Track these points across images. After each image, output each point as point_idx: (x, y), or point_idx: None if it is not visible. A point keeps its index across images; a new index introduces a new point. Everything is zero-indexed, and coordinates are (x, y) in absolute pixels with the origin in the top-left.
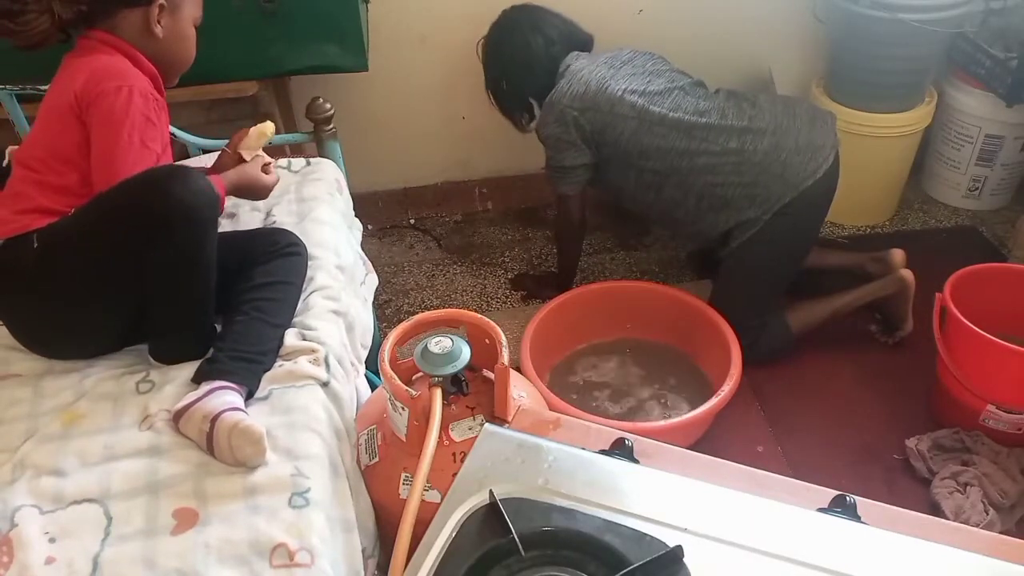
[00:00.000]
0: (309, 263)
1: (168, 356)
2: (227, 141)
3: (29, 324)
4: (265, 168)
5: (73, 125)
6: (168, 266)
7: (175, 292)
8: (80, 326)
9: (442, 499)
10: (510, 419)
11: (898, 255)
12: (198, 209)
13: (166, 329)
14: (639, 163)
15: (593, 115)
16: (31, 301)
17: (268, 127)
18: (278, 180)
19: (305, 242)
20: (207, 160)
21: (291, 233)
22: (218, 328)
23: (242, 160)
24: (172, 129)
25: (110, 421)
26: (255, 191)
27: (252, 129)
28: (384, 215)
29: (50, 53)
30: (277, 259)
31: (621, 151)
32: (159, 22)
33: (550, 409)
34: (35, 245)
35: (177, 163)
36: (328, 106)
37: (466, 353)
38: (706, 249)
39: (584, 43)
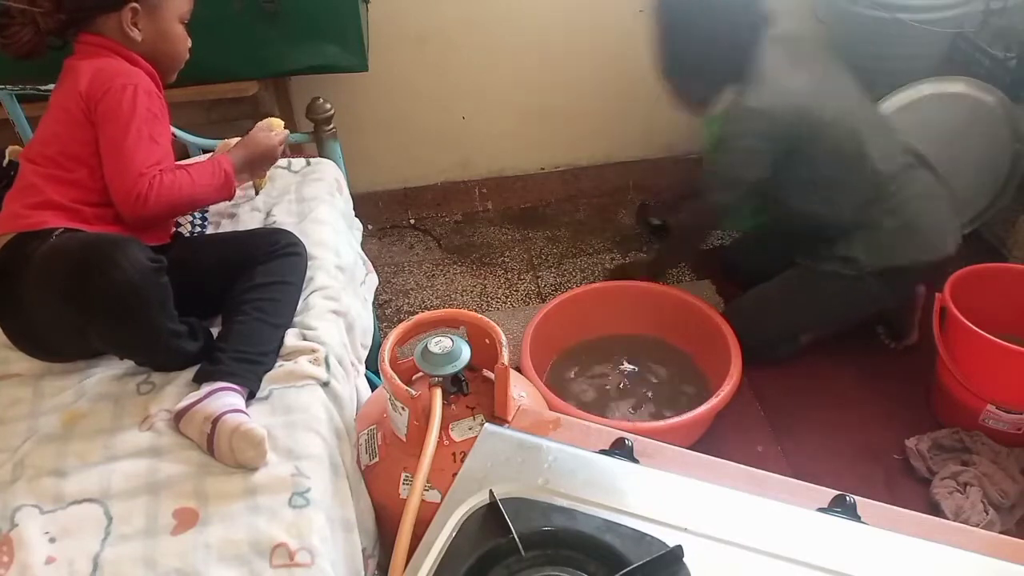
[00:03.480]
0: (309, 263)
1: (163, 369)
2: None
3: (33, 319)
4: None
5: (82, 124)
6: (107, 343)
7: (130, 355)
8: (71, 331)
9: (442, 499)
10: (510, 419)
11: None
12: (127, 291)
13: (143, 362)
14: (815, 186)
15: (796, 140)
16: (36, 295)
17: (274, 122)
18: (287, 137)
19: (305, 242)
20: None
21: (290, 233)
22: (213, 332)
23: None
24: (172, 129)
25: (110, 421)
26: (262, 152)
27: (263, 122)
28: (384, 215)
29: (49, 55)
30: (277, 259)
31: (807, 179)
32: (134, 25)
33: (550, 409)
34: (52, 240)
35: (119, 240)
36: (328, 106)
37: (466, 353)
38: (705, 251)
39: (766, 19)
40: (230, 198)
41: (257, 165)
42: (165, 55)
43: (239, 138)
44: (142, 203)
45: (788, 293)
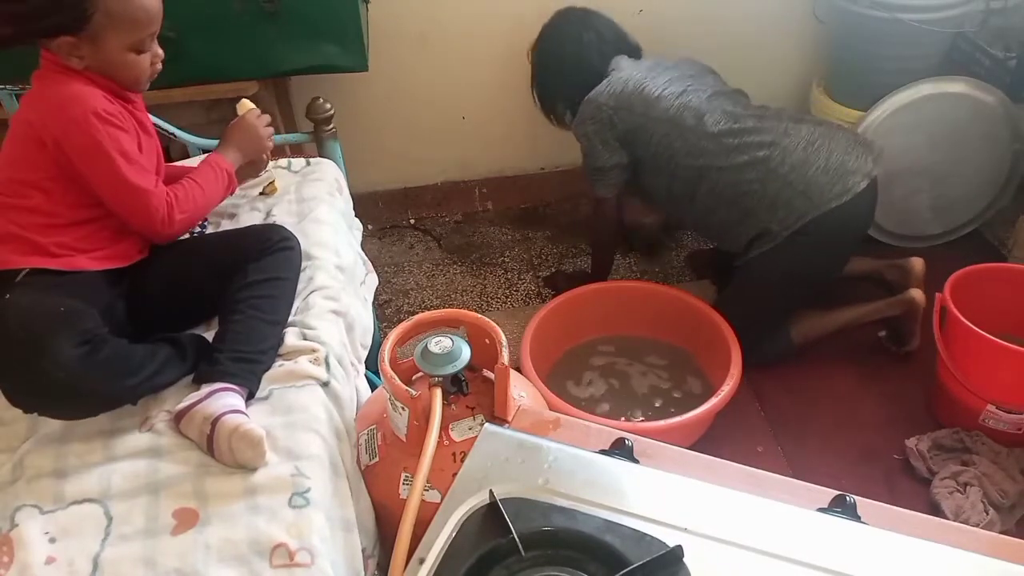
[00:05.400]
0: (309, 263)
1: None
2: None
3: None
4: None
5: (34, 151)
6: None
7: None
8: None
9: (442, 499)
10: (510, 419)
11: (917, 264)
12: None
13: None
14: (670, 168)
15: (626, 115)
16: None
17: (244, 105)
18: (272, 132)
19: (305, 242)
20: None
21: (283, 228)
22: (207, 336)
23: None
24: (172, 129)
25: (110, 422)
26: (252, 138)
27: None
28: (384, 215)
29: None
30: (269, 255)
31: (652, 155)
32: (74, 55)
33: (550, 409)
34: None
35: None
36: (328, 106)
37: (466, 353)
38: (710, 252)
39: (633, 50)
40: (233, 193)
41: (249, 152)
42: (116, 80)
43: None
44: (169, 224)
45: (744, 293)
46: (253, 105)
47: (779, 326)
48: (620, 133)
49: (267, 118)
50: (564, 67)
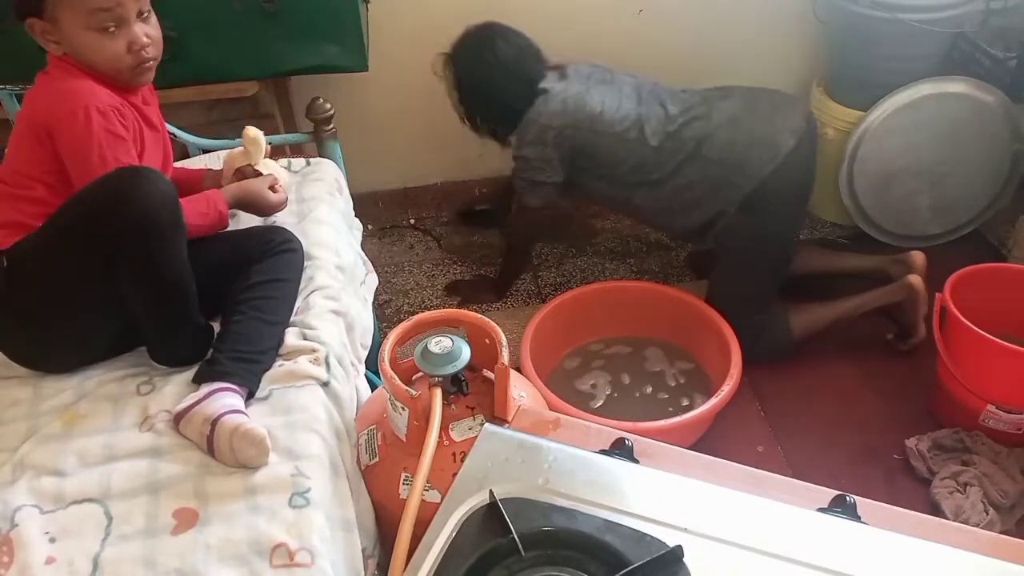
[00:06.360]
0: (309, 263)
1: (167, 360)
2: (226, 141)
3: (9, 341)
4: (273, 187)
5: (33, 145)
6: (134, 276)
7: (149, 302)
8: (59, 341)
9: (442, 499)
10: (510, 419)
11: (919, 258)
12: (151, 216)
13: (155, 336)
14: (611, 174)
15: (572, 132)
16: (5, 319)
17: (249, 132)
18: (286, 200)
19: (305, 242)
20: (211, 161)
21: (286, 230)
22: (215, 327)
23: (256, 172)
24: (172, 129)
25: (110, 422)
26: (259, 207)
27: (245, 141)
28: (384, 215)
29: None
30: (272, 257)
31: (597, 164)
32: (49, 39)
33: (550, 409)
34: (4, 264)
35: (133, 166)
36: (328, 106)
37: (466, 353)
38: (704, 250)
39: (545, 61)
40: (223, 229)
41: (250, 211)
42: (94, 66)
43: (241, 149)
44: None
45: (722, 278)
46: (255, 131)
47: (778, 314)
48: (565, 151)
49: (281, 184)
50: (495, 88)
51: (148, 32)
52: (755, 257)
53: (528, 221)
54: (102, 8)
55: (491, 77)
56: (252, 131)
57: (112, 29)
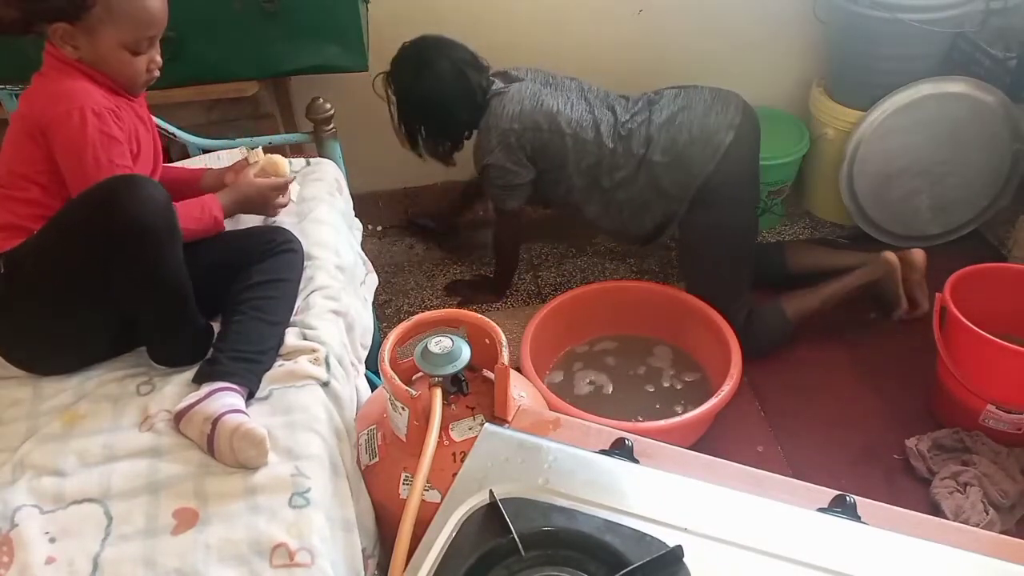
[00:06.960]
0: (309, 263)
1: (167, 360)
2: (226, 141)
3: (6, 345)
4: (279, 189)
5: (28, 145)
6: (131, 281)
7: (148, 305)
8: (58, 344)
9: (442, 499)
10: (510, 419)
11: (918, 255)
12: (147, 223)
13: (155, 337)
14: (568, 180)
15: (533, 134)
16: (4, 323)
17: (255, 155)
18: (288, 201)
19: (305, 242)
20: (213, 161)
21: (286, 231)
22: (215, 327)
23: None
24: (172, 129)
25: (110, 422)
26: (254, 204)
27: (264, 159)
28: (384, 215)
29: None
30: (273, 257)
31: (555, 166)
32: (68, 43)
33: (550, 409)
34: (1, 270)
35: (127, 175)
36: (328, 106)
37: (466, 353)
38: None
39: (485, 65)
40: (217, 233)
41: (248, 209)
42: (110, 75)
43: (260, 150)
44: None
45: (692, 274)
46: (287, 164)
47: (771, 302)
48: (529, 152)
49: (283, 186)
50: (440, 102)
51: (158, 51)
52: (717, 245)
53: (510, 224)
54: (148, 36)
55: (433, 92)
56: (281, 164)
57: (142, 50)
